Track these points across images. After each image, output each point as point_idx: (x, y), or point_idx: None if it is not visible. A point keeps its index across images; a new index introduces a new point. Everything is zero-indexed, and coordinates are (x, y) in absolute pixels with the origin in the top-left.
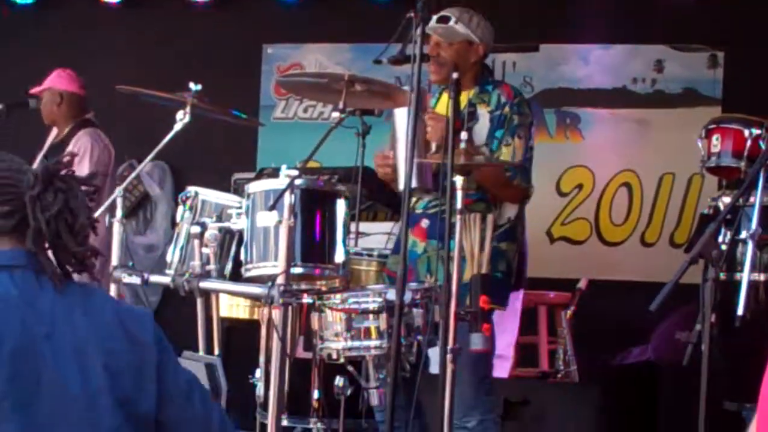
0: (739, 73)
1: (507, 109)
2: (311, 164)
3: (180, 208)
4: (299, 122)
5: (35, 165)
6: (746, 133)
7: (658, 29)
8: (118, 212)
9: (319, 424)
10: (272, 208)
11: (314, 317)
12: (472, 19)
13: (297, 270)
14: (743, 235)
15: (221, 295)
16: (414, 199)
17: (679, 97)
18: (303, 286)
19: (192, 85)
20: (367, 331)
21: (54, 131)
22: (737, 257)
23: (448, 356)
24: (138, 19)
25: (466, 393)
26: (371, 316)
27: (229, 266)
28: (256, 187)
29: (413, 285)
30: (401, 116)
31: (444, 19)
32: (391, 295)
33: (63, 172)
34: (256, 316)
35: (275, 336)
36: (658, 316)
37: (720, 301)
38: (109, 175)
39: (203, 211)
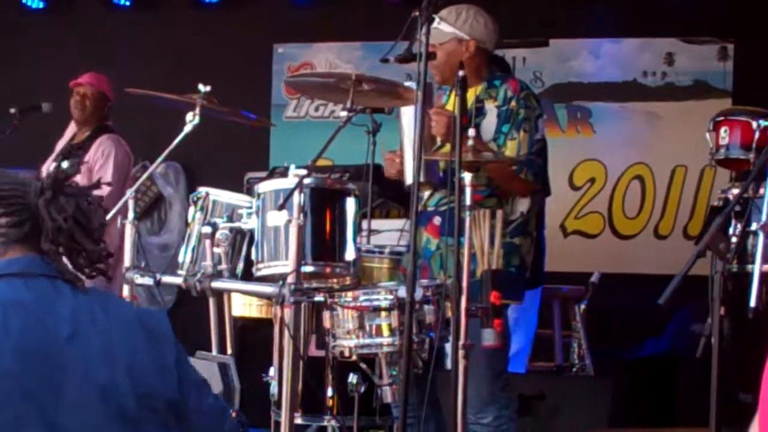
0: (750, 65)
1: (513, 103)
2: (324, 162)
3: (191, 209)
4: (311, 121)
5: (50, 167)
6: (754, 124)
7: (668, 22)
8: (130, 214)
9: (333, 422)
10: (281, 207)
11: (326, 315)
12: (460, 16)
13: (308, 268)
14: (754, 226)
15: (235, 294)
16: (426, 197)
17: (689, 89)
18: (314, 285)
19: (201, 87)
20: (379, 328)
21: (67, 134)
22: (748, 249)
23: (460, 352)
24: (148, 20)
25: (482, 389)
26: (383, 313)
27: (240, 266)
28: (265, 186)
29: (424, 282)
30: (408, 114)
31: (431, 21)
32: (403, 292)
33: (68, 182)
34: (269, 315)
35: (287, 334)
36: (674, 308)
37: (732, 294)
38: (129, 178)
39: (214, 211)
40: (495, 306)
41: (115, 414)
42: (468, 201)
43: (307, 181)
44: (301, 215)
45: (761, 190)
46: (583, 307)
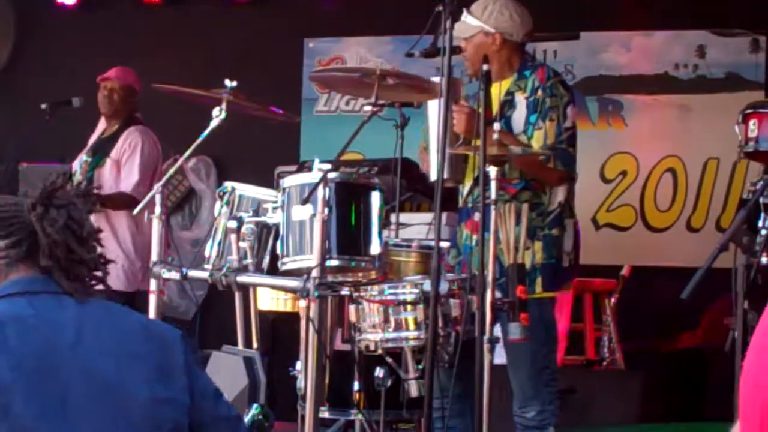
0: None
1: (540, 92)
2: (354, 156)
3: (217, 203)
4: (342, 115)
5: (82, 159)
6: None
7: (700, 14)
8: (157, 209)
9: (360, 416)
10: (305, 202)
11: (351, 309)
12: (486, 10)
13: (333, 262)
14: None
15: (265, 288)
16: (465, 193)
17: (721, 82)
18: (339, 279)
19: (227, 82)
20: (405, 322)
21: (100, 128)
22: None
23: (486, 346)
24: (180, 16)
25: (525, 384)
26: (408, 307)
27: (266, 260)
28: (290, 181)
29: (450, 275)
30: (433, 108)
31: (459, 16)
32: (428, 285)
33: (58, 192)
34: (297, 309)
35: (311, 328)
36: (707, 301)
37: (761, 286)
38: (158, 171)
39: (240, 205)
40: (521, 300)
41: (122, 421)
42: (493, 195)
43: (331, 175)
44: (326, 209)
45: None
46: (613, 300)
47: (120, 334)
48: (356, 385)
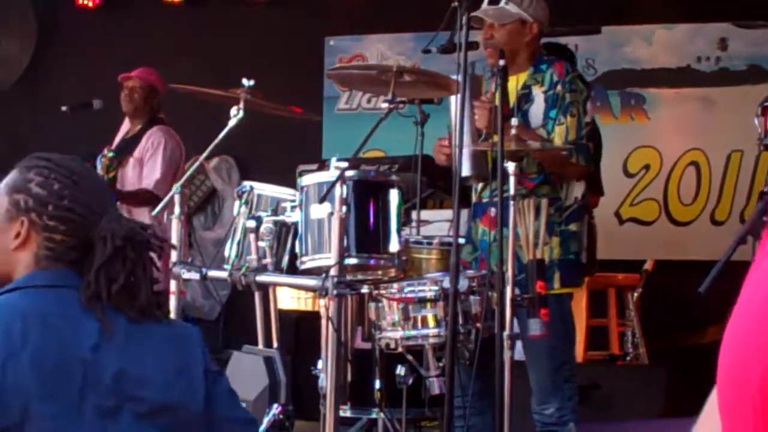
0: None
1: (559, 87)
2: (375, 154)
3: (236, 203)
4: (363, 113)
5: (106, 154)
6: None
7: (721, 7)
8: (176, 209)
9: (382, 414)
10: (323, 200)
11: (371, 307)
12: None
13: (351, 260)
14: None
15: (286, 288)
16: (480, 188)
17: (743, 74)
18: (359, 277)
19: (245, 81)
20: (425, 319)
21: (124, 128)
22: None
23: (506, 342)
24: (201, 16)
25: (544, 380)
26: (428, 304)
27: (285, 259)
28: (308, 179)
29: (470, 272)
30: (454, 104)
31: (495, 1)
32: (448, 283)
33: (139, 239)
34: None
35: (330, 327)
36: (733, 294)
37: None
38: (180, 171)
39: (259, 205)
40: (541, 296)
41: (140, 422)
42: (512, 191)
43: (349, 173)
44: (344, 208)
45: None
46: (636, 295)
47: (141, 335)
48: (378, 384)
